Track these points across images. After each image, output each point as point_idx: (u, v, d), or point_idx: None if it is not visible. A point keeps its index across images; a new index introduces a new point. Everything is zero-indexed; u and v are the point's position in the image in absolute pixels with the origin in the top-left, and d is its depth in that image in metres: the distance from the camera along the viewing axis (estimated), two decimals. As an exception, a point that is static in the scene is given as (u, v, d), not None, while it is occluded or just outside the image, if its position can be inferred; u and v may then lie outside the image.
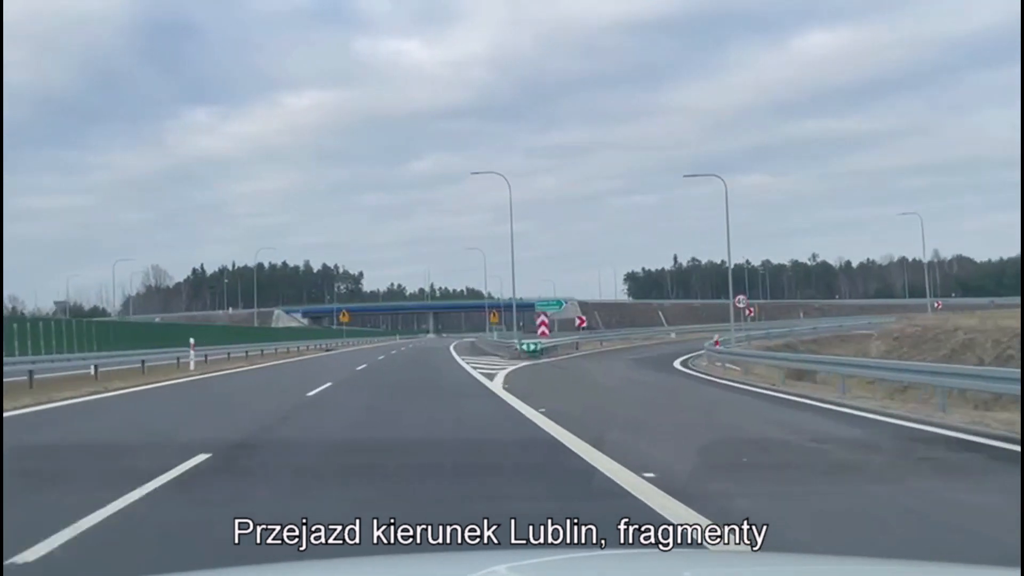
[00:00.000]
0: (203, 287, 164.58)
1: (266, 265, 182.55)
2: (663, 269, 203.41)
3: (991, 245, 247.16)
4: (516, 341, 36.01)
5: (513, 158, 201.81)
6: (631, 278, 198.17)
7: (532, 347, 33.18)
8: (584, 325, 45.69)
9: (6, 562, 4.80)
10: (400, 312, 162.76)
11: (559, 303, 38.26)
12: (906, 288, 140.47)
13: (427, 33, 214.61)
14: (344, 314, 68.92)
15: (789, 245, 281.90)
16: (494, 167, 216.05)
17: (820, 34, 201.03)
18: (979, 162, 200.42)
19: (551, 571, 2.60)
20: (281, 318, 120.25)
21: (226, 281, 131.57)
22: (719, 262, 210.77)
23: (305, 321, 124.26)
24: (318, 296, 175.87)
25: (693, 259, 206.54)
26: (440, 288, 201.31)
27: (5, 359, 18.75)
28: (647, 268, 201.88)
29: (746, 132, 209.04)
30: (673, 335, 54.85)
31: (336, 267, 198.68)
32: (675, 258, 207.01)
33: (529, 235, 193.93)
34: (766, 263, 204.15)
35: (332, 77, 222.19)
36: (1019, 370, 11.42)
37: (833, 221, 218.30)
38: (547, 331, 35.63)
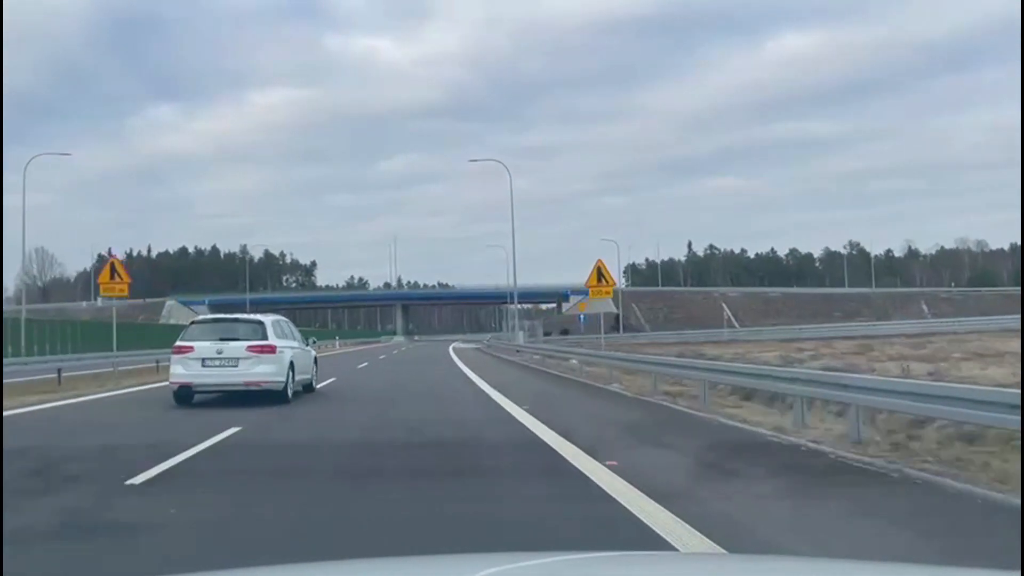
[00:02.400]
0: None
1: (191, 250, 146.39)
2: (672, 259, 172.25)
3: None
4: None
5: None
6: (633, 270, 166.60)
7: None
8: None
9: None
10: (362, 305, 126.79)
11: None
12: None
13: (400, 31, 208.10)
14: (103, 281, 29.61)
15: (769, 245, 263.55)
16: (468, 167, 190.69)
17: (794, 36, 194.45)
18: (952, 165, 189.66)
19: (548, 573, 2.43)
20: (174, 311, 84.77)
21: (96, 261, 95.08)
22: (738, 251, 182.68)
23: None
24: (258, 290, 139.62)
25: (711, 247, 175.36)
26: (409, 282, 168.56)
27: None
28: (651, 260, 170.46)
29: (719, 133, 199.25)
30: None
31: (282, 255, 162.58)
32: (689, 245, 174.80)
33: (506, 235, 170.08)
34: (793, 251, 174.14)
35: (302, 75, 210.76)
36: None
37: (807, 222, 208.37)
38: None
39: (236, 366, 15.02)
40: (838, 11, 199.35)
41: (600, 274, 21.91)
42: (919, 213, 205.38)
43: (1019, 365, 13.70)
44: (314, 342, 19.24)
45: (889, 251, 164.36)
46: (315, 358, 18.65)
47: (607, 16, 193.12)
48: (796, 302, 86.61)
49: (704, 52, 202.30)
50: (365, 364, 30.99)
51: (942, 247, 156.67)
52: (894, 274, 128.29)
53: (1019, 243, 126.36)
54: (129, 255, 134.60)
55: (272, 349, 15.28)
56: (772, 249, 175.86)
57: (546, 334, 77.45)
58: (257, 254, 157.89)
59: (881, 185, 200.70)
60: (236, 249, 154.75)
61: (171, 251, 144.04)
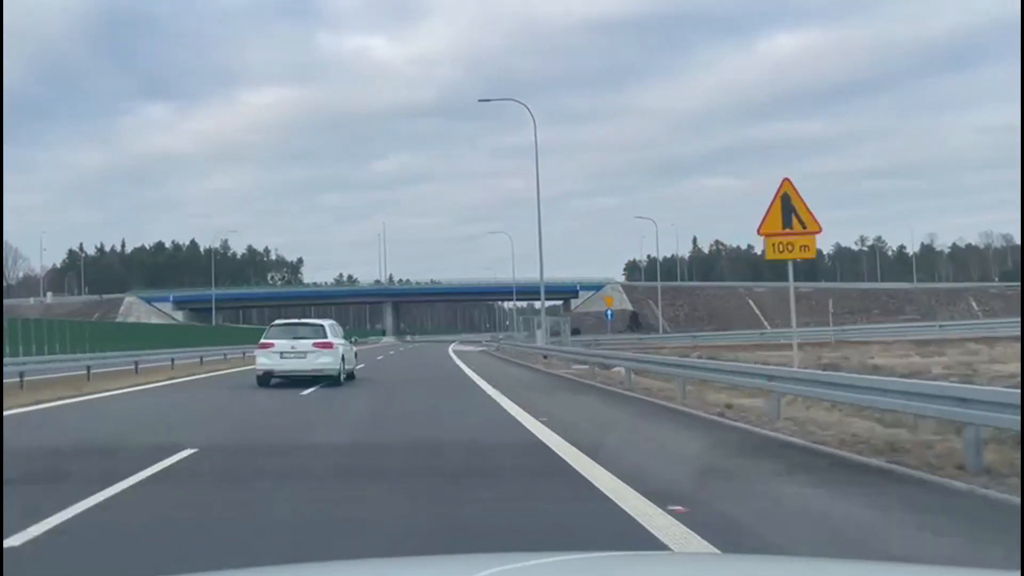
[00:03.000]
0: (73, 272, 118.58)
1: (168, 245, 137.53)
2: (673, 256, 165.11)
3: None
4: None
5: (479, 158, 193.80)
6: (632, 268, 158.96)
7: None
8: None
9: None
10: (349, 302, 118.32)
11: None
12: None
13: (393, 30, 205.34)
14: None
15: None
16: (460, 167, 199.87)
17: (786, 36, 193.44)
18: (942, 165, 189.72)
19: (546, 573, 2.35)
20: (134, 308, 76.02)
21: (67, 257, 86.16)
22: (745, 247, 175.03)
23: (179, 315, 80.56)
24: (240, 287, 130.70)
25: (717, 243, 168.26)
26: (400, 280, 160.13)
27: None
28: (652, 256, 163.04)
29: (712, 134, 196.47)
30: None
31: (267, 251, 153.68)
32: (694, 241, 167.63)
33: (499, 235, 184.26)
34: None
35: (294, 74, 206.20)
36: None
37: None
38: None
39: (304, 357, 19.53)
40: (836, 11, 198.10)
41: (789, 209, 11.54)
42: (919, 212, 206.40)
43: None
44: (355, 340, 25.00)
45: (903, 247, 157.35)
46: (355, 352, 24.06)
47: (603, 16, 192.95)
48: (831, 298, 78.35)
49: (698, 53, 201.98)
50: (311, 391, 18.46)
51: (955, 244, 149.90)
52: (920, 270, 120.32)
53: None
54: (100, 250, 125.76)
55: (331, 345, 19.90)
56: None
57: (554, 334, 69.03)
58: (240, 250, 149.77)
59: (877, 184, 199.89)
60: (217, 244, 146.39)
61: (147, 246, 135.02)
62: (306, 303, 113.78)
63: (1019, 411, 6.48)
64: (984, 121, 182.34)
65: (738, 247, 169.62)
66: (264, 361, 19.59)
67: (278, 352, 19.53)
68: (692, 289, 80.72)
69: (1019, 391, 6.83)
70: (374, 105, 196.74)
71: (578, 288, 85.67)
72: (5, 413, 13.78)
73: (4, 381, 18.53)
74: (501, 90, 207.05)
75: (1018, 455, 6.64)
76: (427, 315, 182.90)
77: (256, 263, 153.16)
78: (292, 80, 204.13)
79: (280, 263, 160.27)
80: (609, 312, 45.34)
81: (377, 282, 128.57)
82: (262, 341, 20.11)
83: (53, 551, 5.15)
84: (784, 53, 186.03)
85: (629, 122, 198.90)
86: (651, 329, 73.84)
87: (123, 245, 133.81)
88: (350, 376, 21.30)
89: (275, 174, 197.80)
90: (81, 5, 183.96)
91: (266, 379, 19.47)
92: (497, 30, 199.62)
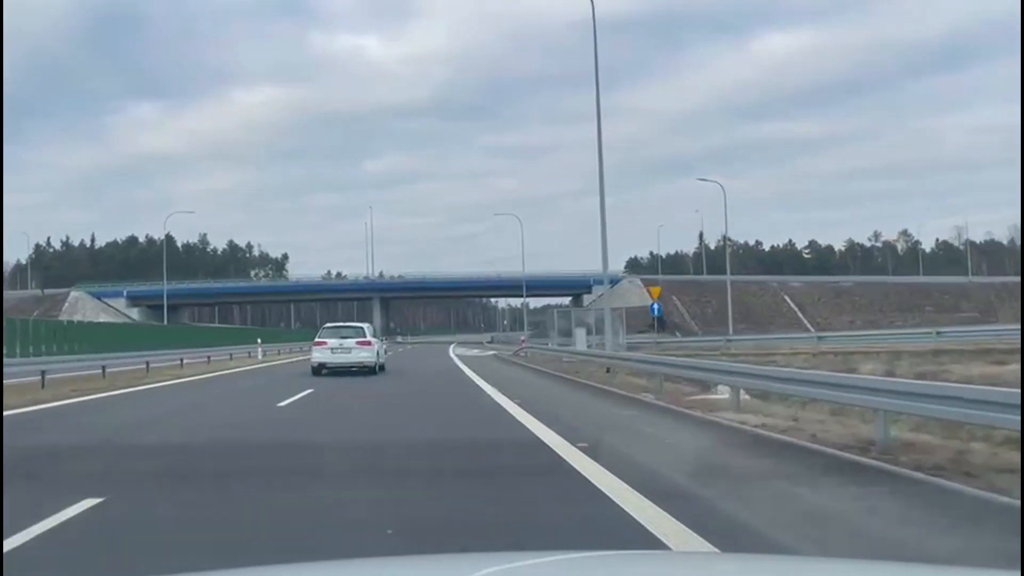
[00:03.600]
0: (39, 268, 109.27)
1: (141, 239, 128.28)
2: (678, 252, 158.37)
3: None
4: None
5: (472, 158, 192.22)
6: (634, 264, 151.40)
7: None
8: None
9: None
10: (334, 298, 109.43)
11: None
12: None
13: (386, 29, 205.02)
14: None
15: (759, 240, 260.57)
16: (454, 167, 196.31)
17: (780, 37, 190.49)
18: (934, 166, 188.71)
19: (546, 572, 2.33)
20: (80, 305, 67.14)
21: (32, 252, 77.38)
22: (753, 243, 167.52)
23: (134, 312, 71.63)
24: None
25: (724, 238, 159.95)
26: (392, 276, 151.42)
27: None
28: (654, 252, 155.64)
29: (705, 134, 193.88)
30: None
31: (249, 246, 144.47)
32: (700, 236, 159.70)
33: (491, 235, 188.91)
34: (813, 243, 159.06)
35: (287, 73, 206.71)
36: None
37: (790, 222, 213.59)
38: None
39: (349, 353, 24.43)
40: (835, 10, 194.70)
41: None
42: (924, 211, 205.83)
43: None
44: (384, 339, 33.21)
45: (918, 242, 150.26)
46: (385, 349, 29.49)
47: (599, 16, 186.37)
48: (875, 294, 69.97)
49: (692, 53, 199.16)
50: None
51: (969, 239, 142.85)
52: (950, 263, 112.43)
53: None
54: (65, 244, 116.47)
55: (370, 343, 25.08)
56: (790, 241, 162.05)
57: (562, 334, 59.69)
58: (220, 245, 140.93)
59: (877, 184, 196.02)
60: (195, 240, 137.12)
61: (119, 240, 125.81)
62: (287, 299, 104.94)
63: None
64: (988, 119, 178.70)
65: (746, 243, 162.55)
66: (318, 356, 24.51)
67: (329, 348, 24.45)
68: (719, 284, 72.19)
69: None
70: (367, 105, 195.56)
71: (591, 282, 77.32)
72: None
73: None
74: (498, 89, 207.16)
75: None
76: (419, 314, 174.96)
77: (238, 259, 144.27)
78: (284, 79, 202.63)
79: (264, 259, 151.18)
80: (655, 307, 36.90)
81: (365, 278, 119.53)
82: (317, 340, 25.39)
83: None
84: (784, 53, 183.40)
85: (623, 122, 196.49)
86: (676, 328, 65.22)
87: (92, 239, 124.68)
88: (381, 368, 25.59)
89: (267, 173, 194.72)
90: (72, 4, 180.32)
91: (319, 370, 24.14)
92: (490, 29, 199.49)
